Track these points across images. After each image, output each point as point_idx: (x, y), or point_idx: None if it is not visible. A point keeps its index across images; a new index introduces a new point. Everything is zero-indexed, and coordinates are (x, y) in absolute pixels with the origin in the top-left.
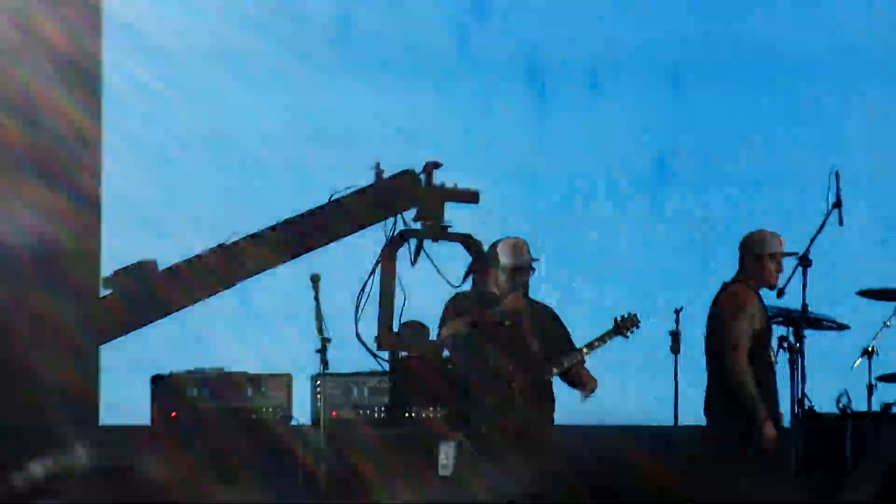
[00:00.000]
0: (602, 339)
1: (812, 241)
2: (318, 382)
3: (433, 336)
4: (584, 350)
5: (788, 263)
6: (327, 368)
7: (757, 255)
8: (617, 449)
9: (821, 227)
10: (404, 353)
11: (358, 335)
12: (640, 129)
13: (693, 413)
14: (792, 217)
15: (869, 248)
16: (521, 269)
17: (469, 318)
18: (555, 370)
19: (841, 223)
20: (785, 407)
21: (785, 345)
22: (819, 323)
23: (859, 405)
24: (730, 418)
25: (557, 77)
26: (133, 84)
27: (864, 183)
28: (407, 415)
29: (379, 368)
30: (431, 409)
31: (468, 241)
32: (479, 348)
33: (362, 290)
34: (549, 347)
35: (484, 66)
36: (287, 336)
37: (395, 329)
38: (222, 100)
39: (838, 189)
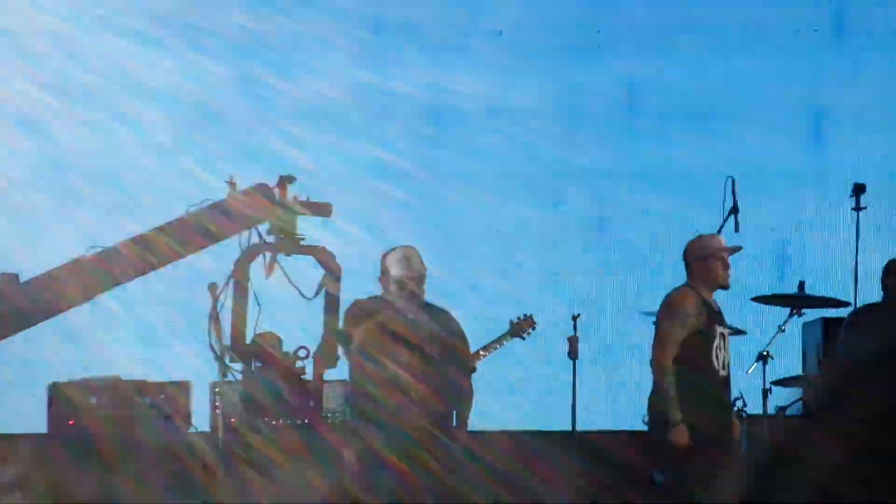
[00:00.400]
0: (499, 342)
1: None
2: (217, 390)
3: (287, 347)
4: (481, 353)
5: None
6: (226, 376)
7: (701, 259)
8: (519, 454)
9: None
10: (257, 364)
11: (211, 346)
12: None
13: (591, 418)
14: (690, 225)
15: (764, 254)
16: (413, 280)
17: (376, 320)
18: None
19: (737, 229)
20: None
21: None
22: None
23: (754, 409)
24: (655, 419)
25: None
26: None
27: (759, 188)
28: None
29: None
30: (282, 420)
31: (320, 254)
32: (377, 356)
33: (215, 302)
34: (447, 352)
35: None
36: (188, 344)
37: (248, 341)
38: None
39: (734, 196)
